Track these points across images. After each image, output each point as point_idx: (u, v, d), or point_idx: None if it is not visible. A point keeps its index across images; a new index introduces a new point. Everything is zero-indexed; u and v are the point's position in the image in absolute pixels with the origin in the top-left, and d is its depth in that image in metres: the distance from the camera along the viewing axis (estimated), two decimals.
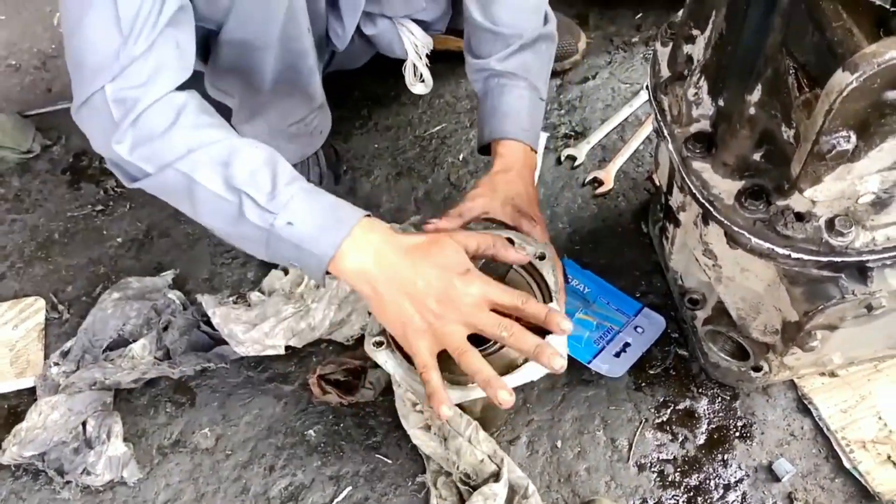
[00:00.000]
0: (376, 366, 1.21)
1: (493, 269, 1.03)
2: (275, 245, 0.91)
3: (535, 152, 1.18)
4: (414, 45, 1.36)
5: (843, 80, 0.68)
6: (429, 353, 0.91)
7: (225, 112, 1.28)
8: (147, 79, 0.91)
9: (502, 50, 1.18)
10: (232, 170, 0.90)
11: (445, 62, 1.60)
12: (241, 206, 0.90)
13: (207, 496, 1.14)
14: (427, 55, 1.39)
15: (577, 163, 1.46)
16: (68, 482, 1.14)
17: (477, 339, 1.00)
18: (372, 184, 1.48)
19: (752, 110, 0.84)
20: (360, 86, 1.62)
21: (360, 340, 1.25)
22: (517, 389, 1.18)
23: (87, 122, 0.95)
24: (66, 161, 1.56)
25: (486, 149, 1.20)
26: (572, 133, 1.52)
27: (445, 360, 0.93)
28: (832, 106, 0.70)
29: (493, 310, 0.91)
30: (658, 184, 1.34)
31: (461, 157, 1.50)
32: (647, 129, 1.48)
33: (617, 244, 1.34)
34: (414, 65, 1.39)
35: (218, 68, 1.16)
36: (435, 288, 0.89)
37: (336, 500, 1.12)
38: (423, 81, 1.41)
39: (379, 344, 0.99)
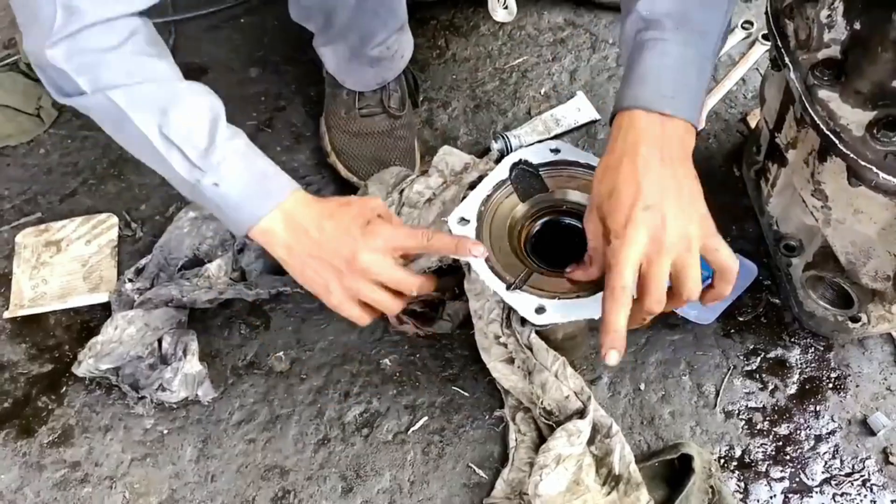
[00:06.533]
0: (455, 298, 1.18)
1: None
2: (197, 197, 0.90)
3: (690, 124, 0.85)
4: None
5: None
6: (353, 308, 0.91)
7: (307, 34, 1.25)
8: None
9: None
10: (169, 118, 0.86)
11: None
12: (168, 155, 0.87)
13: (282, 418, 1.12)
14: None
15: None
16: (142, 398, 1.14)
17: (554, 262, 0.97)
18: (449, 115, 1.43)
19: None
20: (438, 15, 1.57)
21: (436, 272, 1.22)
22: (595, 328, 1.15)
23: (22, 10, 0.86)
24: None
25: None
26: None
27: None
28: None
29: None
30: (756, 125, 1.28)
31: (542, 92, 1.45)
32: (742, 69, 1.41)
33: (707, 188, 1.27)
34: None
35: None
36: (343, 256, 0.88)
37: (412, 429, 1.10)
38: (506, 8, 1.35)
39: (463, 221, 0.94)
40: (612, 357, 0.79)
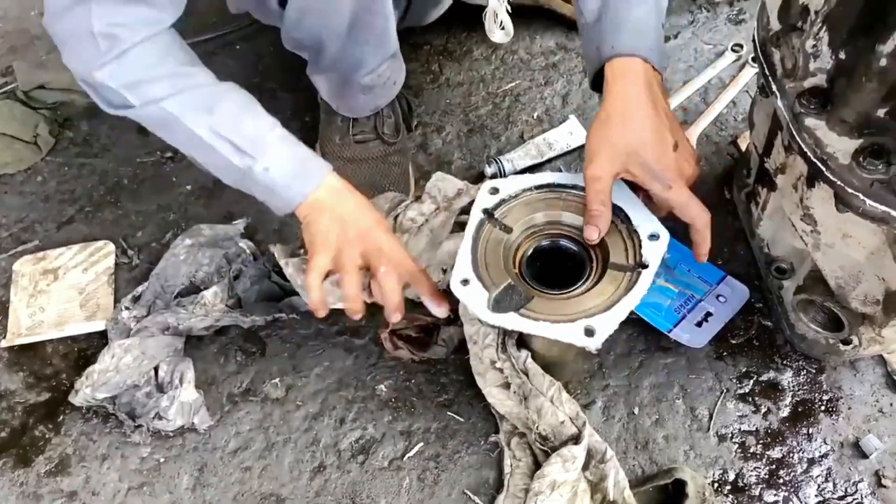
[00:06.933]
0: (449, 323, 1.19)
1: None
2: (248, 184, 1.02)
3: (662, 78, 0.99)
4: None
5: None
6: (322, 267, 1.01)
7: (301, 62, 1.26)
8: (137, 15, 0.95)
9: None
10: (217, 117, 0.98)
11: (520, 17, 1.56)
12: (221, 148, 0.98)
13: (278, 446, 1.13)
14: (508, 2, 1.33)
15: None
16: (139, 426, 1.14)
17: (558, 282, 0.98)
18: (443, 140, 1.45)
19: (882, 62, 0.79)
20: (431, 40, 1.58)
21: None
22: (595, 353, 1.16)
23: (66, 41, 0.98)
24: None
25: (600, 83, 1.00)
26: None
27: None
28: None
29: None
30: (746, 148, 1.29)
31: (535, 116, 1.46)
32: (732, 92, 1.43)
33: None
34: (495, 11, 1.34)
35: (295, 15, 1.12)
36: (358, 227, 1.01)
37: (407, 456, 1.11)
38: (503, 29, 1.36)
39: (465, 282, 0.96)
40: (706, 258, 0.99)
